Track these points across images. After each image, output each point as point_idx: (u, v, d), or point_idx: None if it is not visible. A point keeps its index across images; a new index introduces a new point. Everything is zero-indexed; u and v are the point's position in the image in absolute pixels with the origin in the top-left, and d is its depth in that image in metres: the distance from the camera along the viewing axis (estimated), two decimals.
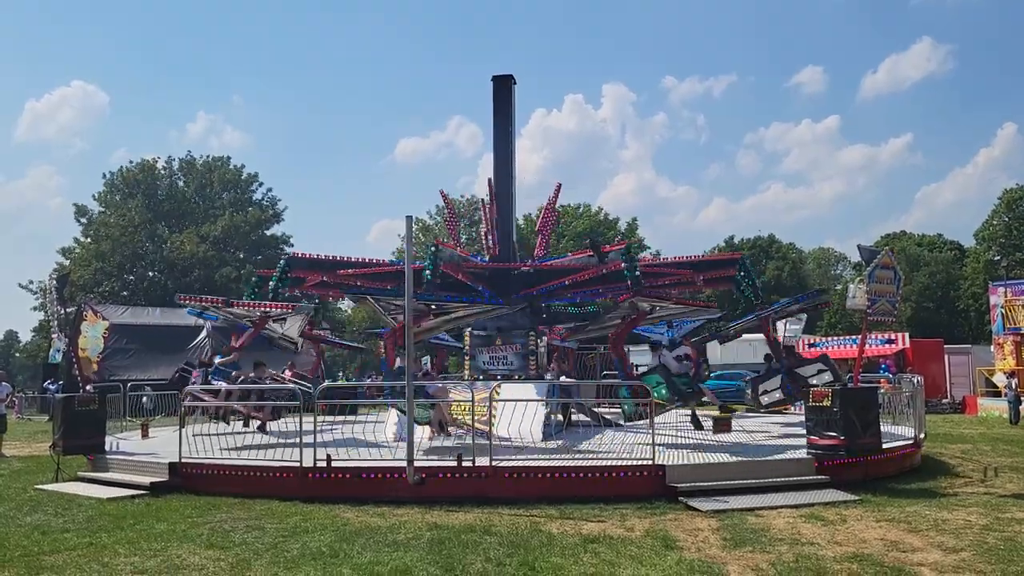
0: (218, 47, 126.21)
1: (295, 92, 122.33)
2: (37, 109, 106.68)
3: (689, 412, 15.92)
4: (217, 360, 15.10)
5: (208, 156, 58.41)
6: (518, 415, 11.90)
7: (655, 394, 12.23)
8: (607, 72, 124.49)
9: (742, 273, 14.48)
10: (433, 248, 14.17)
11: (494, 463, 10.32)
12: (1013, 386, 25.44)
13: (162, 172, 56.90)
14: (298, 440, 10.76)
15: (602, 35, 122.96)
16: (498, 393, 12.18)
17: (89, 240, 53.67)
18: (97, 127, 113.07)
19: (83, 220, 54.92)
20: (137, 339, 33.50)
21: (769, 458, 11.30)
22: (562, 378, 16.27)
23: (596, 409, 15.63)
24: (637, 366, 30.63)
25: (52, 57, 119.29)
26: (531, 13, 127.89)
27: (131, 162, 56.98)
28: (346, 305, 54.11)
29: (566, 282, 14.86)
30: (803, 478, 10.70)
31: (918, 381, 14.59)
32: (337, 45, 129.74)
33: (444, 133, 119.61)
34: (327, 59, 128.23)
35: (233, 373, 14.66)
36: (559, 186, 19.55)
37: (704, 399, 16.58)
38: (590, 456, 11.01)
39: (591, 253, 15.08)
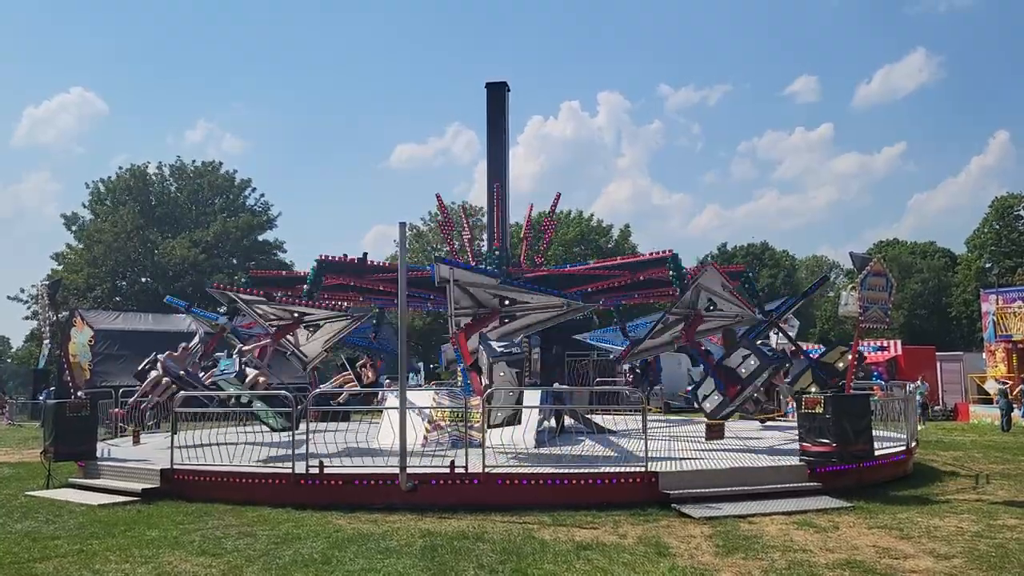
0: (217, 55, 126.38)
1: (292, 98, 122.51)
2: (36, 115, 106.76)
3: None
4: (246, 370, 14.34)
5: (198, 162, 58.41)
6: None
7: None
8: (603, 80, 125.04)
9: (673, 272, 14.53)
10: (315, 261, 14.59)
11: (487, 470, 10.31)
12: (1006, 393, 25.52)
13: (153, 178, 56.79)
14: (290, 447, 10.73)
15: (598, 44, 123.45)
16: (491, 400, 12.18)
17: (81, 246, 53.51)
18: (96, 133, 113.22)
19: (73, 228, 54.82)
20: (129, 345, 33.34)
21: (762, 465, 11.31)
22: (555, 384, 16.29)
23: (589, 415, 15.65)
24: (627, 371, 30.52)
25: (51, 63, 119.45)
26: (529, 20, 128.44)
27: (120, 168, 56.96)
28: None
29: (590, 289, 15.12)
30: (796, 485, 10.72)
31: (914, 387, 14.62)
32: (335, 50, 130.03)
33: (442, 140, 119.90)
34: (325, 64, 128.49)
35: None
36: (558, 196, 19.80)
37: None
38: (583, 463, 11.01)
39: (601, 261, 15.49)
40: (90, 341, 33.02)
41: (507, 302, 12.85)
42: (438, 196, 19.65)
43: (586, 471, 10.53)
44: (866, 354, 31.44)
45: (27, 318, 52.93)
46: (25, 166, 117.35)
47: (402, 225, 10.92)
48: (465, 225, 20.14)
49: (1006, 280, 47.05)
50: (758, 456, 12.13)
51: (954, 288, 60.70)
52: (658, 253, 15.28)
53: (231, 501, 10.54)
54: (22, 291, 52.70)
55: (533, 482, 10.32)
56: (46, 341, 16.07)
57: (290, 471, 10.58)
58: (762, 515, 9.50)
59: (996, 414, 25.76)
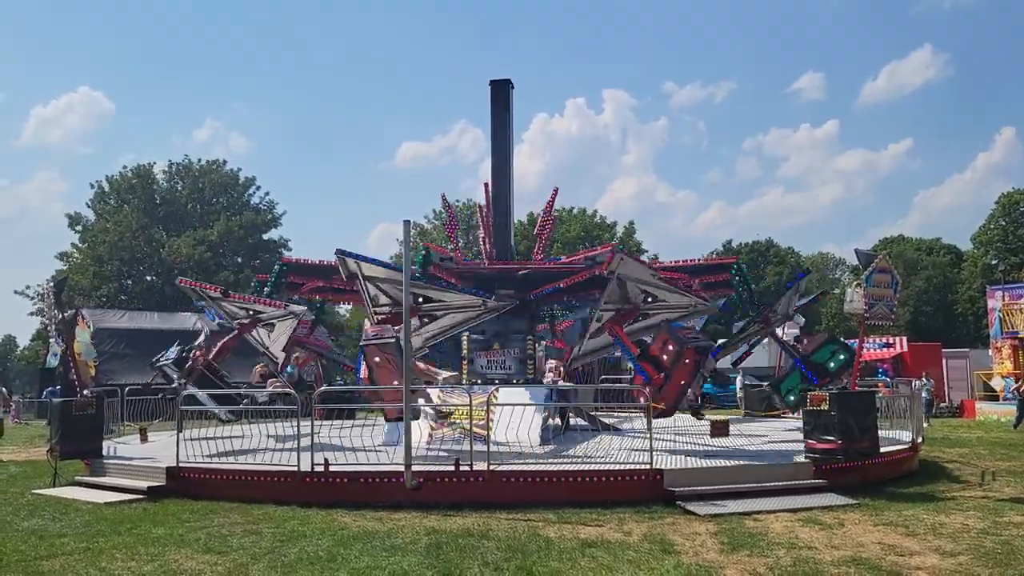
0: (225, 54, 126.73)
1: (293, 97, 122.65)
2: (43, 115, 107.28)
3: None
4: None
5: (202, 160, 58.50)
6: (516, 419, 11.90)
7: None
8: (608, 78, 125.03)
9: (737, 278, 14.55)
10: (424, 251, 14.33)
11: (492, 467, 10.32)
12: (1022, 391, 25.35)
13: (157, 176, 56.84)
14: (296, 444, 10.75)
15: (604, 41, 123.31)
16: (496, 397, 12.18)
17: (86, 245, 53.66)
18: (103, 133, 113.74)
19: (77, 228, 54.95)
20: (134, 344, 33.44)
21: (767, 462, 11.29)
22: (559, 382, 16.25)
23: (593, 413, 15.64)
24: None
25: (58, 63, 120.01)
26: (534, 18, 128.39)
27: (125, 167, 57.01)
28: (344, 309, 53.83)
29: (560, 285, 14.94)
30: (801, 482, 10.69)
31: (920, 385, 14.61)
32: (335, 50, 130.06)
33: (447, 137, 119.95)
34: (325, 64, 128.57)
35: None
36: (555, 191, 19.67)
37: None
38: (588, 460, 11.01)
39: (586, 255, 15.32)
40: (90, 339, 33.14)
41: (421, 299, 12.69)
42: (443, 196, 19.56)
43: (591, 468, 10.53)
44: (872, 351, 31.42)
45: (32, 314, 53.29)
46: (32, 166, 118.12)
47: (406, 223, 10.89)
48: (480, 222, 20.01)
49: (1012, 276, 46.85)
50: (763, 453, 12.12)
51: (960, 285, 60.55)
52: (722, 258, 15.54)
53: (237, 499, 10.56)
54: (27, 287, 53.07)
55: (538, 480, 10.33)
56: (52, 340, 16.12)
57: (295, 469, 10.60)
58: (767, 512, 9.49)
59: (1002, 411, 25.68)
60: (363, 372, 12.56)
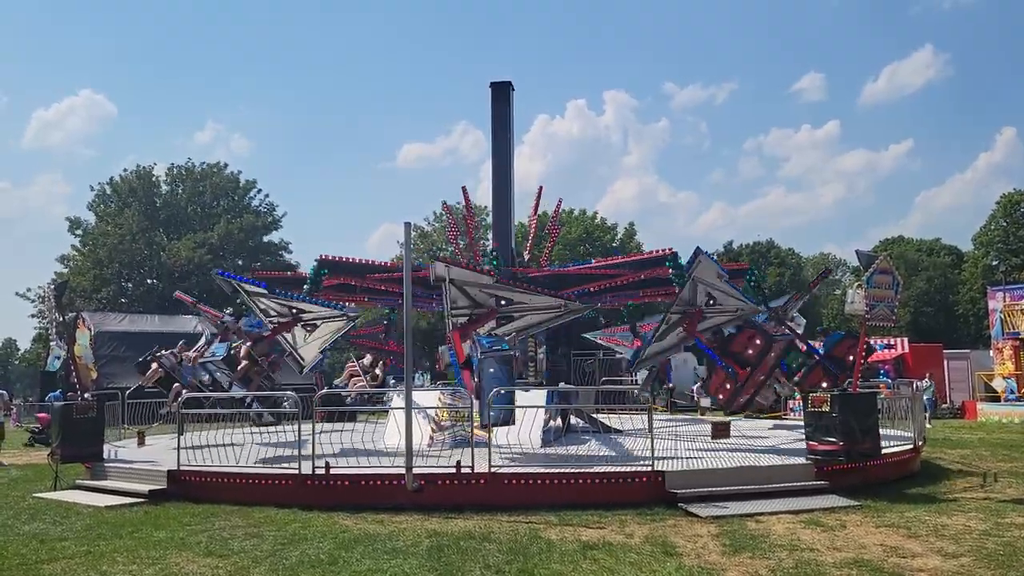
0: (225, 55, 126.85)
1: (294, 98, 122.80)
2: (45, 118, 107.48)
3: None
4: None
5: (203, 163, 58.48)
6: (517, 421, 11.88)
7: None
8: (609, 79, 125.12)
9: (673, 271, 14.43)
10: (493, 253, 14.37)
11: (493, 469, 10.30)
12: None
13: (160, 179, 56.82)
14: (297, 447, 10.74)
15: (605, 42, 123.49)
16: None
17: (87, 248, 53.65)
18: (105, 135, 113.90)
19: (78, 232, 54.94)
20: (135, 346, 33.34)
21: (768, 463, 11.28)
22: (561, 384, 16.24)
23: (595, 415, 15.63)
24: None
25: (59, 65, 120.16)
26: (534, 19, 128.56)
27: (125, 170, 56.99)
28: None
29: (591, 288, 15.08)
30: (802, 483, 10.68)
31: (924, 385, 14.61)
32: (335, 50, 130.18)
33: (449, 139, 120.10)
34: (326, 64, 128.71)
35: None
36: (560, 202, 19.82)
37: None
38: (589, 462, 10.99)
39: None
40: (90, 342, 33.09)
41: (504, 302, 12.75)
42: (464, 190, 19.52)
43: (592, 470, 10.51)
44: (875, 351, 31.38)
45: (32, 315, 53.28)
46: (34, 168, 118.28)
47: (407, 225, 10.89)
48: (451, 226, 20.16)
49: (1013, 277, 46.84)
50: (765, 455, 12.11)
51: (961, 285, 60.51)
52: (659, 251, 15.12)
53: (237, 502, 10.55)
54: (28, 290, 53.09)
55: (539, 482, 10.31)
56: (53, 343, 16.15)
57: (296, 472, 10.59)
58: (769, 514, 9.48)
59: (1003, 412, 25.64)
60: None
